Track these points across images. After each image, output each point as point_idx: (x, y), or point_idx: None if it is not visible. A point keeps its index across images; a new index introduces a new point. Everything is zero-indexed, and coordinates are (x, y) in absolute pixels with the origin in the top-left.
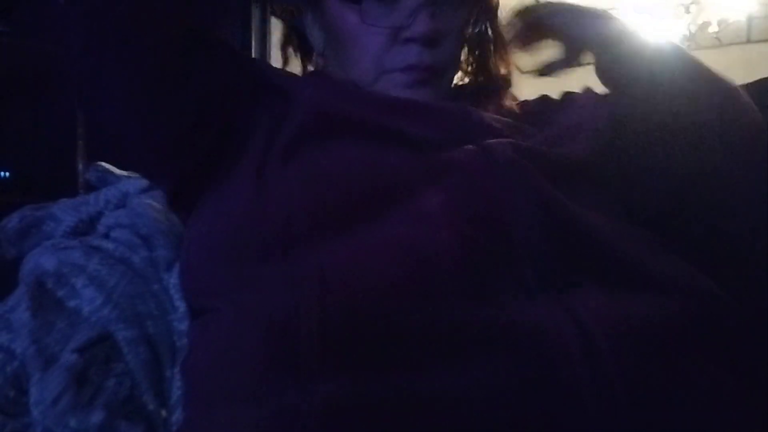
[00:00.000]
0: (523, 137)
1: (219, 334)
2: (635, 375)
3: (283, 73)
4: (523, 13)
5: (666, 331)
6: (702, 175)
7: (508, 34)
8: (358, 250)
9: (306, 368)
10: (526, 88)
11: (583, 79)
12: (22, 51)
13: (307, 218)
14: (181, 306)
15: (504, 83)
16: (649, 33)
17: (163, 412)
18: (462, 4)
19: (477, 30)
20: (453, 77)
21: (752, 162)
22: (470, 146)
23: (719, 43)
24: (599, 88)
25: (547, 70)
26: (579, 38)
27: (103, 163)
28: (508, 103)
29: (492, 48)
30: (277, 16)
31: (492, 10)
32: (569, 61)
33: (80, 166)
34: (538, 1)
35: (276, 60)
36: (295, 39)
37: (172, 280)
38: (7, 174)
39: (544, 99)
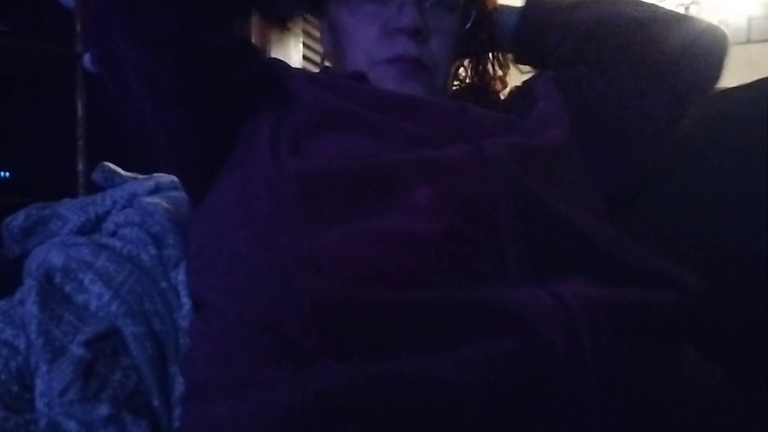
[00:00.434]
0: (513, 131)
1: (215, 326)
2: (610, 349)
3: (287, 68)
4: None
5: (641, 315)
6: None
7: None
8: (350, 239)
9: (300, 356)
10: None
11: None
12: (22, 51)
13: (301, 207)
14: (186, 303)
15: (501, 85)
16: None
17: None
18: (456, 6)
19: (474, 34)
20: (446, 77)
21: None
22: (464, 145)
23: None
24: None
25: None
26: None
27: (110, 164)
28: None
29: (490, 54)
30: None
31: (490, 15)
32: None
33: (80, 166)
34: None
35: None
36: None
37: (180, 276)
38: (7, 174)
39: (527, 86)
